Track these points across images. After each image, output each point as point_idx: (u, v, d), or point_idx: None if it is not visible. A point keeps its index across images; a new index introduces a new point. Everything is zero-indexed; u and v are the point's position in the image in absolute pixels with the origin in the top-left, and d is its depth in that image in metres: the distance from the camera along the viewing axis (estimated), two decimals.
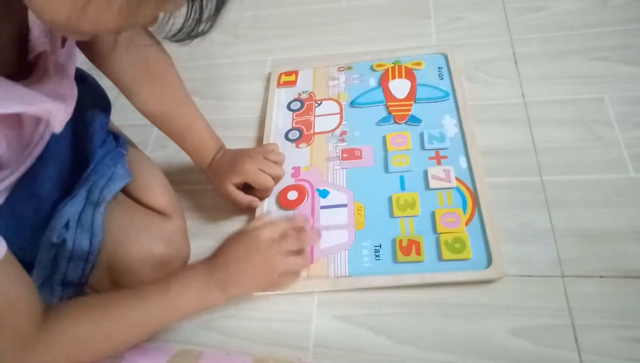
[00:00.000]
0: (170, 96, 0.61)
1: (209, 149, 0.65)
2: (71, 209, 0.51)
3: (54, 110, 0.41)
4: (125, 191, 0.58)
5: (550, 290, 0.53)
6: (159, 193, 0.60)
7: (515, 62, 0.74)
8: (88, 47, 0.54)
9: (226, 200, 0.65)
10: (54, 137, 0.49)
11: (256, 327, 0.57)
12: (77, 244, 0.51)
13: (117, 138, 0.60)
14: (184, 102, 0.62)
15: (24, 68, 0.41)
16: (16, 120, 0.43)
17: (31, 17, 0.40)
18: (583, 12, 0.78)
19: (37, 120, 0.47)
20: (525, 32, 0.77)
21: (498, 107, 0.69)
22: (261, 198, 0.65)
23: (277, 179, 0.66)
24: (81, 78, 0.59)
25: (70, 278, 0.51)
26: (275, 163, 0.66)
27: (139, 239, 0.54)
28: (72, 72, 0.48)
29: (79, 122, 0.56)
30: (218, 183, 0.65)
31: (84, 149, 0.55)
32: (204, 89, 0.82)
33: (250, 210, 0.65)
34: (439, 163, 0.64)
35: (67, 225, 0.51)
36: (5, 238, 0.45)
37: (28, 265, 0.52)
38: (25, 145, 0.47)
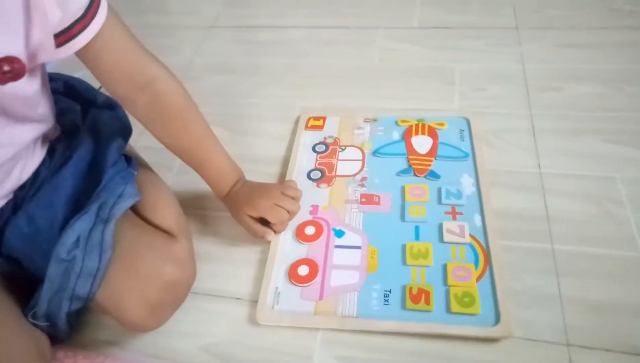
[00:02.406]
0: (187, 133, 0.61)
1: (227, 181, 0.66)
2: (82, 226, 0.52)
3: None
4: (134, 210, 0.59)
5: (555, 357, 0.53)
6: (165, 213, 0.60)
7: (534, 135, 0.77)
8: (110, 87, 0.56)
9: (244, 228, 0.67)
10: (76, 154, 0.54)
11: (256, 357, 0.57)
12: (87, 261, 0.51)
13: (129, 160, 0.61)
14: (201, 138, 0.63)
15: None
16: None
17: None
18: (599, 96, 0.82)
19: None
20: (544, 108, 0.81)
21: (515, 174, 0.72)
22: (277, 231, 0.66)
23: (292, 214, 0.67)
24: (110, 106, 0.64)
25: (78, 293, 0.51)
26: (293, 198, 0.68)
27: (147, 256, 0.55)
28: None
29: (98, 145, 0.59)
30: (234, 213, 0.67)
31: (98, 168, 0.57)
32: (233, 123, 0.86)
33: (265, 241, 0.66)
34: (454, 218, 0.66)
35: (77, 241, 0.51)
36: (22, 250, 0.45)
37: (37, 279, 0.53)
38: None
